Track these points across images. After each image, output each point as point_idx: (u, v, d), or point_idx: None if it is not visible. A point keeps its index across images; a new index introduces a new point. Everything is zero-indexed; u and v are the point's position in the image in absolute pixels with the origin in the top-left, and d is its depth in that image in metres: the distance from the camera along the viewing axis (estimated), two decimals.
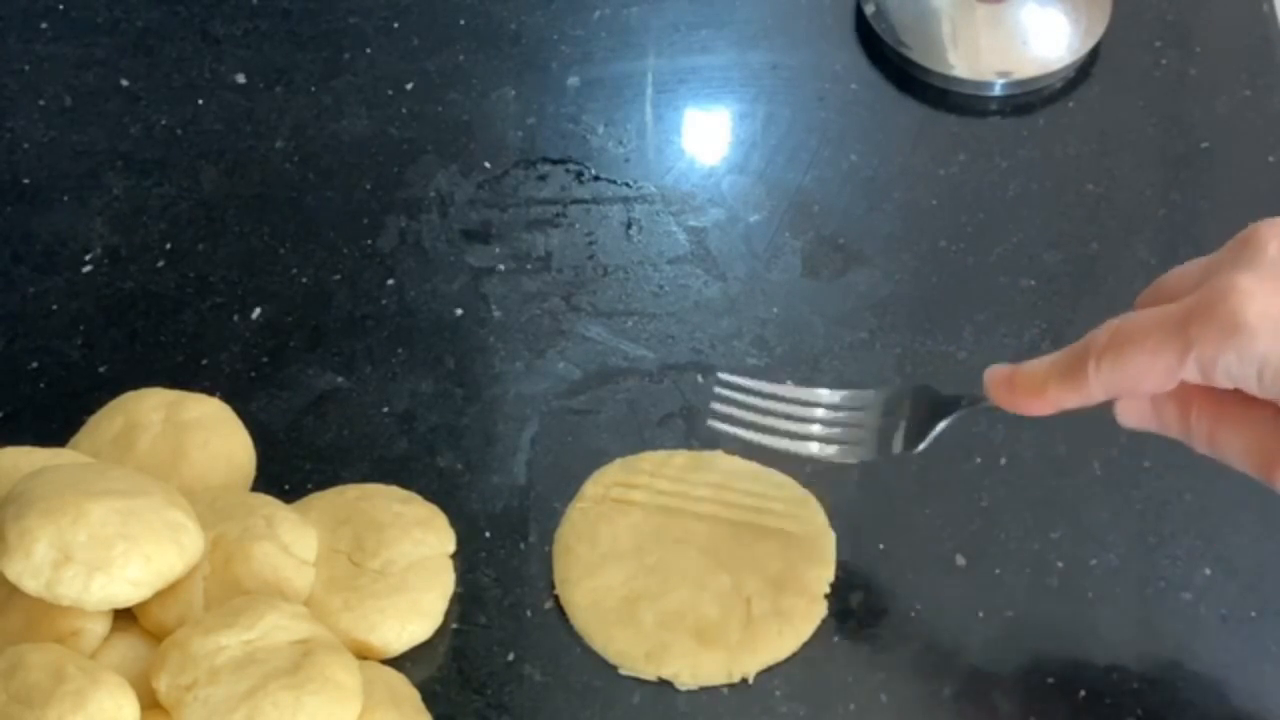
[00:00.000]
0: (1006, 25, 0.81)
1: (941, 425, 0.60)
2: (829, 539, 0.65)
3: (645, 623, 0.62)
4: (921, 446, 0.60)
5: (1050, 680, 0.62)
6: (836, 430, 0.62)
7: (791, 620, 0.62)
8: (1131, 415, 0.54)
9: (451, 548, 0.65)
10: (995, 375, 0.56)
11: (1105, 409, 0.67)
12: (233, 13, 0.84)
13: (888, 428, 0.61)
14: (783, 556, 0.64)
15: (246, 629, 0.57)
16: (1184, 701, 0.61)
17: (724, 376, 0.64)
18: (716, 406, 0.64)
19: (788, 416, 0.63)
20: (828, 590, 0.64)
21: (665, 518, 0.65)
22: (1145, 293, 0.54)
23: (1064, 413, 0.68)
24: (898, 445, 0.60)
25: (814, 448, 0.62)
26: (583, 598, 0.64)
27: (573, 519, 0.66)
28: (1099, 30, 0.80)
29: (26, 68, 0.82)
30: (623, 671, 0.62)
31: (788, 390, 0.64)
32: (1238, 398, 0.50)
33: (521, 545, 0.66)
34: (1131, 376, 0.51)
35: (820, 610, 0.63)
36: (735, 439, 0.63)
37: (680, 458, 0.67)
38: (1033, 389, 0.54)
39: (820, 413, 0.62)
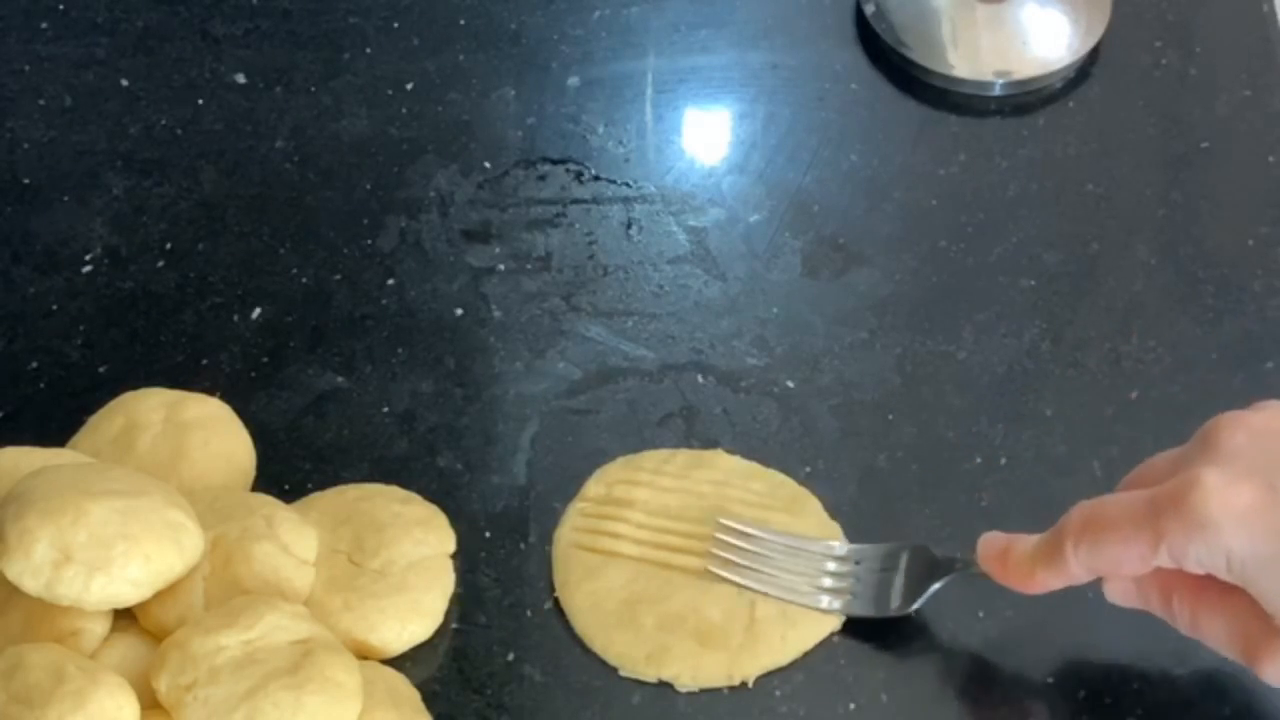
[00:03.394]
0: (1006, 25, 0.81)
1: (936, 586, 0.61)
2: (835, 532, 0.65)
3: (645, 626, 0.62)
4: (916, 606, 0.61)
5: (1050, 680, 0.62)
6: (833, 582, 0.63)
7: (797, 626, 0.62)
8: (1119, 595, 0.56)
9: (451, 548, 0.65)
10: (989, 548, 0.58)
11: (1101, 414, 0.67)
12: (233, 13, 0.84)
13: (884, 583, 0.62)
14: None
15: (246, 629, 0.57)
16: (1184, 701, 0.61)
17: (725, 522, 0.64)
18: (716, 551, 0.64)
19: (786, 568, 0.63)
20: None
21: (667, 519, 0.65)
22: (1129, 477, 0.56)
23: (1063, 413, 0.68)
24: (894, 603, 0.61)
25: (817, 600, 0.62)
26: (583, 600, 0.63)
27: (573, 520, 0.66)
28: (1099, 30, 0.80)
29: (26, 68, 0.82)
30: (623, 673, 0.62)
31: (786, 539, 0.64)
32: (1216, 583, 0.52)
33: (521, 545, 0.66)
34: (1109, 562, 0.53)
35: (832, 621, 0.63)
36: (733, 583, 0.63)
37: (682, 456, 0.67)
38: (1022, 571, 0.57)
39: (822, 565, 0.63)
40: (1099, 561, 0.53)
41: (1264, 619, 0.51)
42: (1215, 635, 0.54)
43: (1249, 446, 0.51)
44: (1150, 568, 0.52)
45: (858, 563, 0.63)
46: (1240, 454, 0.51)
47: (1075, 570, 0.54)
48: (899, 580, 0.62)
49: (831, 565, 0.63)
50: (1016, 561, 0.57)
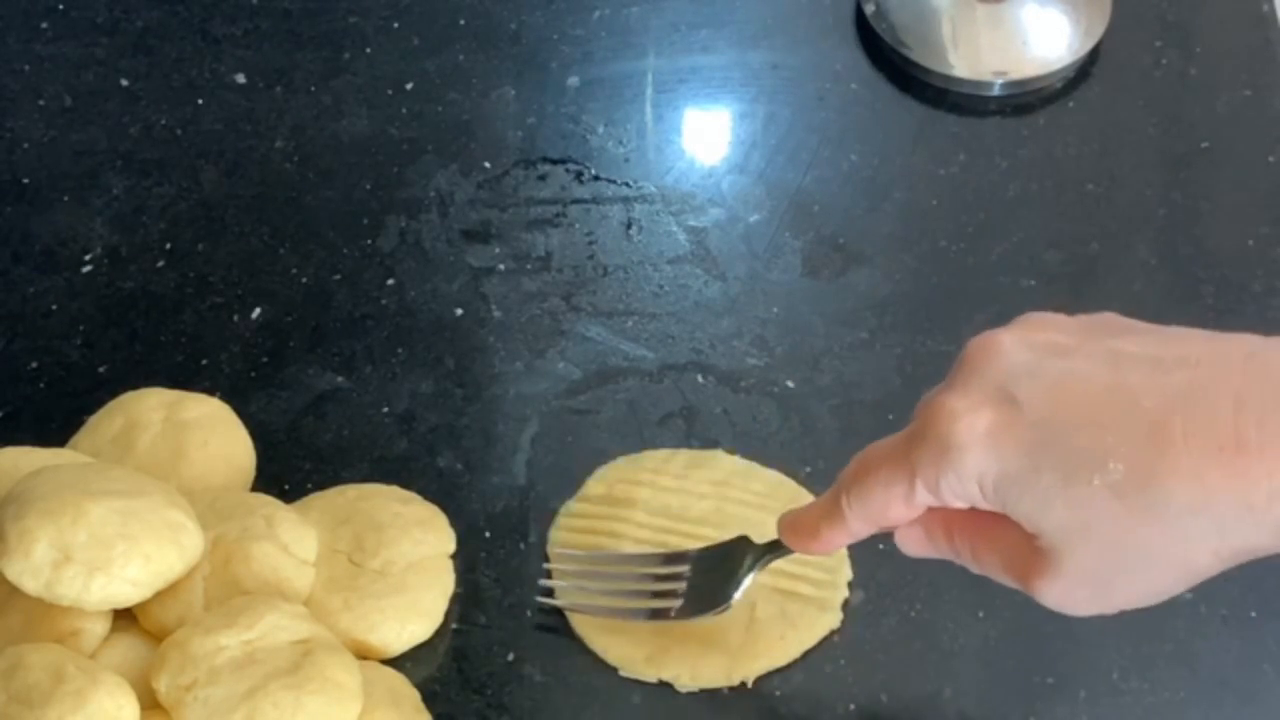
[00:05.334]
0: (1006, 25, 0.81)
1: (751, 575, 0.60)
2: None
3: (645, 626, 0.62)
4: (736, 597, 0.60)
5: (1050, 680, 0.62)
6: (657, 587, 0.62)
7: (797, 626, 0.62)
8: (910, 544, 0.54)
9: (451, 548, 0.65)
10: (784, 520, 0.57)
11: None
12: (233, 13, 0.84)
13: (711, 581, 0.61)
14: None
15: (246, 629, 0.57)
16: (1184, 701, 0.61)
17: (559, 551, 0.65)
18: (545, 583, 0.64)
19: (610, 579, 0.63)
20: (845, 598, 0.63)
21: (668, 519, 0.65)
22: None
23: None
24: (718, 600, 0.60)
25: (647, 610, 0.62)
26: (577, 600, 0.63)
27: (564, 520, 0.66)
28: (1099, 30, 0.80)
29: (26, 68, 0.82)
30: (623, 674, 0.62)
31: (613, 555, 0.64)
32: (987, 515, 0.50)
33: (521, 545, 0.66)
34: (877, 508, 0.52)
35: (831, 620, 0.63)
36: (576, 608, 0.63)
37: (682, 456, 0.67)
38: (808, 531, 0.55)
39: (651, 574, 0.63)
40: (869, 509, 0.52)
41: (1029, 540, 0.49)
42: (994, 566, 0.52)
43: (995, 365, 0.49)
44: (916, 509, 0.51)
45: (688, 565, 0.62)
46: (985, 374, 0.49)
47: (852, 524, 0.53)
48: (725, 576, 0.60)
49: (660, 572, 0.62)
50: (804, 523, 0.55)
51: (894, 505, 0.51)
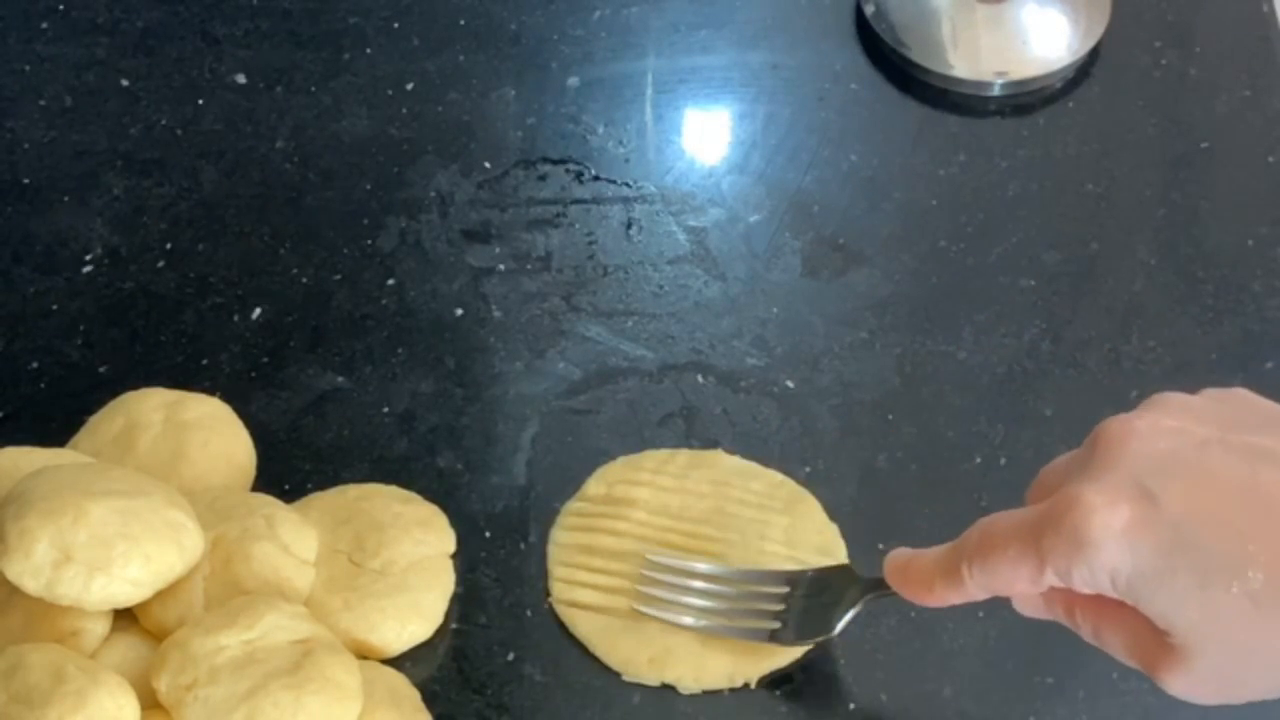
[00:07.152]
0: (1006, 25, 0.81)
1: (853, 610, 0.60)
2: (833, 533, 0.65)
3: (648, 628, 0.62)
4: (837, 630, 0.60)
5: (1050, 680, 0.62)
6: (755, 607, 0.61)
7: None
8: (1026, 607, 0.55)
9: (451, 548, 0.65)
10: (893, 563, 0.57)
11: (1101, 413, 0.67)
12: (233, 13, 0.84)
13: (811, 609, 0.61)
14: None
15: (246, 629, 0.57)
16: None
17: (652, 559, 0.64)
18: (643, 589, 0.63)
19: (708, 595, 0.62)
20: None
21: (668, 519, 0.65)
22: (1035, 482, 0.54)
23: (1063, 413, 0.68)
24: (819, 629, 0.60)
25: (746, 630, 0.61)
26: (584, 603, 0.63)
27: (565, 520, 0.66)
28: (1099, 30, 0.81)
29: (26, 68, 0.82)
30: (626, 677, 0.62)
31: (712, 569, 0.63)
32: (1114, 601, 0.50)
33: (521, 545, 0.66)
34: (1002, 582, 0.52)
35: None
36: (663, 619, 0.62)
37: (682, 456, 0.67)
38: (922, 584, 0.55)
39: (751, 594, 0.62)
40: (991, 582, 0.52)
41: (1158, 634, 0.49)
42: (1116, 648, 0.52)
43: (1132, 454, 0.49)
44: (1042, 587, 0.51)
45: (787, 589, 0.62)
46: (1122, 463, 0.49)
47: (970, 590, 0.53)
48: (825, 605, 0.60)
49: (761, 593, 0.62)
50: (916, 574, 0.55)
51: (1020, 583, 0.51)
